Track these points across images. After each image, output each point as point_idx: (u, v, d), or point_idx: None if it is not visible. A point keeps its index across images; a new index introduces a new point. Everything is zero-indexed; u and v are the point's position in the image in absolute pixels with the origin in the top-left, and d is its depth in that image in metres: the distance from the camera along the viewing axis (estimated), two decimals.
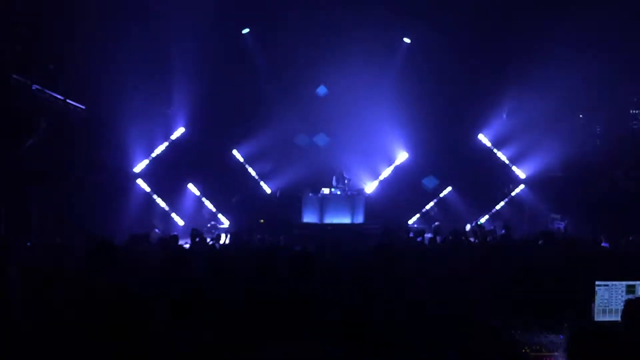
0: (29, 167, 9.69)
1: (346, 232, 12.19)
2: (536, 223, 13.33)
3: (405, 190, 14.73)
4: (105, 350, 2.21)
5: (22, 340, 2.68)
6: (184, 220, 13.97)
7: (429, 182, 14.66)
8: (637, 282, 3.94)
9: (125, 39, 11.03)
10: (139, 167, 13.57)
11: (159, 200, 13.93)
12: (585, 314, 3.85)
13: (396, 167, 15.44)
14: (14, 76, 9.50)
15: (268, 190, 15.12)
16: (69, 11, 10.12)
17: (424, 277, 4.76)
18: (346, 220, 13.41)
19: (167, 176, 13.71)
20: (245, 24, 14.08)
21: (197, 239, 7.85)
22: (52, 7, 10.08)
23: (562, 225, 12.79)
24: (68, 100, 11.04)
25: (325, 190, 13.57)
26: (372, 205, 14.05)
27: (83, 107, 11.45)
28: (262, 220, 13.25)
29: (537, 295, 4.25)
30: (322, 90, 14.35)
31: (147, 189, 13.74)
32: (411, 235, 9.53)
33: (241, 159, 14.99)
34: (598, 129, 13.84)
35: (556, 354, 3.42)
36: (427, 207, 15.42)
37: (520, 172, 15.04)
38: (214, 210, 14.72)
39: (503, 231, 9.50)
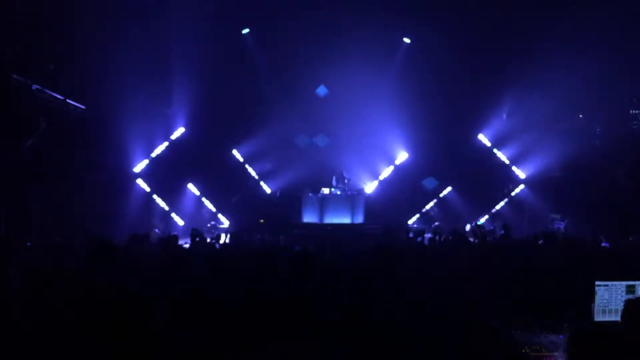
0: (29, 167, 9.69)
1: (346, 232, 12.20)
2: (536, 223, 13.32)
3: (405, 190, 14.74)
4: (105, 351, 2.21)
5: (22, 340, 2.68)
6: (184, 220, 13.97)
7: (429, 183, 14.69)
8: (637, 282, 3.94)
9: (125, 39, 11.03)
10: (139, 167, 13.57)
11: (159, 200, 13.94)
12: (585, 314, 3.85)
13: (396, 167, 15.44)
14: (14, 76, 9.50)
15: (268, 190, 15.12)
16: (69, 11, 10.11)
17: (424, 277, 4.76)
18: (346, 220, 13.42)
19: (167, 176, 13.71)
20: (245, 24, 14.08)
21: (197, 239, 7.86)
22: (52, 7, 10.08)
23: (562, 225, 12.79)
24: (68, 100, 11.05)
25: (325, 190, 13.57)
26: (372, 205, 14.06)
27: (83, 107, 11.45)
28: (262, 220, 13.25)
29: (537, 295, 4.25)
30: (322, 90, 14.37)
31: (147, 189, 13.75)
32: (411, 235, 9.53)
33: (241, 159, 14.99)
34: (598, 129, 13.83)
35: (556, 354, 3.42)
36: (427, 207, 15.42)
37: (520, 172, 15.04)
38: (214, 210, 14.72)
39: (502, 232, 9.49)
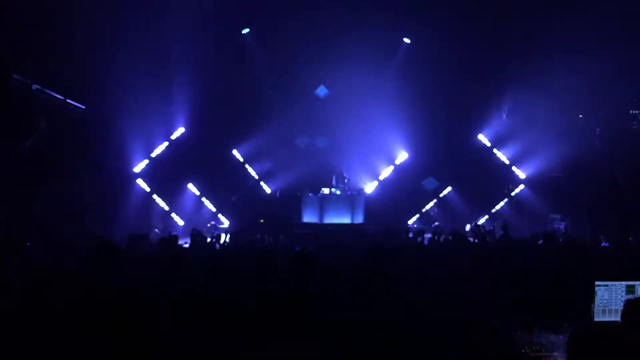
0: (29, 167, 9.69)
1: (346, 232, 12.19)
2: (536, 223, 13.32)
3: (405, 190, 14.74)
4: (105, 351, 2.21)
5: (22, 340, 2.68)
6: (184, 220, 13.97)
7: (429, 183, 14.70)
8: (637, 282, 3.94)
9: (125, 39, 11.03)
10: (139, 167, 13.57)
11: (159, 200, 13.94)
12: (585, 314, 3.85)
13: (396, 167, 15.43)
14: (14, 76, 9.50)
15: (268, 190, 15.12)
16: (69, 11, 10.11)
17: (424, 277, 4.76)
18: (346, 220, 13.41)
19: (167, 176, 13.71)
20: (245, 24, 14.08)
21: (197, 239, 7.86)
22: (52, 7, 10.07)
23: (562, 225, 12.79)
24: (68, 100, 11.05)
25: (325, 190, 13.57)
26: (372, 205, 14.05)
27: (83, 106, 11.45)
28: (262, 220, 13.24)
29: (537, 295, 4.25)
30: (322, 90, 14.37)
31: (147, 189, 13.75)
32: (411, 235, 9.54)
33: (241, 159, 14.99)
34: (598, 129, 13.83)
35: (556, 354, 3.42)
36: (427, 207, 15.42)
37: (520, 172, 15.04)
38: (214, 210, 14.72)
39: (502, 232, 9.49)
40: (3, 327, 2.81)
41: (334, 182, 13.71)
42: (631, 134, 13.37)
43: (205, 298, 3.64)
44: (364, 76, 13.36)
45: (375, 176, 15.36)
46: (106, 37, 10.70)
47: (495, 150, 15.18)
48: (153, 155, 13.79)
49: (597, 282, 3.91)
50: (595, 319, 3.88)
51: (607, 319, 3.88)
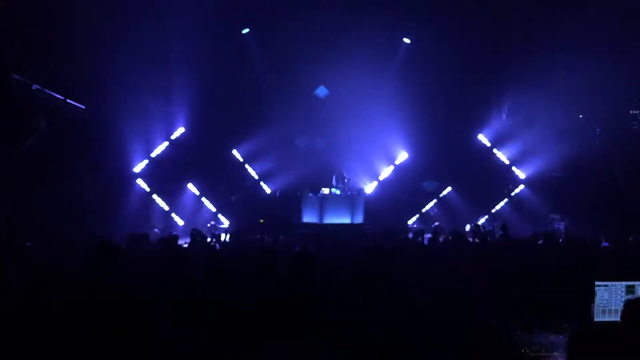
0: (29, 167, 9.69)
1: (346, 232, 12.19)
2: (536, 223, 13.32)
3: (405, 190, 14.74)
4: (105, 351, 2.21)
5: (22, 340, 2.68)
6: (184, 220, 13.97)
7: (429, 184, 14.70)
8: (637, 282, 3.94)
9: (125, 39, 11.03)
10: (139, 167, 13.57)
11: (159, 200, 13.94)
12: (585, 314, 3.85)
13: (396, 167, 15.43)
14: (14, 76, 9.50)
15: (268, 190, 15.12)
16: (69, 11, 10.11)
17: (424, 277, 4.76)
18: (346, 220, 13.41)
19: (167, 176, 13.71)
20: (245, 24, 14.07)
21: (197, 239, 7.86)
22: (52, 7, 10.08)
23: (562, 225, 12.79)
24: (68, 100, 11.05)
25: (325, 190, 13.56)
26: (372, 205, 14.05)
27: (83, 106, 11.45)
28: (262, 220, 13.24)
29: (537, 295, 4.25)
30: (322, 91, 14.36)
31: (147, 189, 13.75)
32: (411, 235, 9.54)
33: (241, 159, 14.99)
34: (598, 129, 13.83)
35: (556, 354, 3.42)
36: (427, 207, 15.42)
37: (520, 172, 15.04)
38: (214, 210, 14.72)
39: (502, 232, 9.49)
40: (3, 327, 2.81)
41: (333, 182, 13.71)
42: (631, 134, 13.37)
43: (205, 298, 3.64)
44: (364, 76, 13.35)
45: (375, 176, 15.36)
46: (106, 37, 10.70)
47: (495, 150, 15.18)
48: (153, 155, 13.79)
49: (597, 282, 3.91)
50: (595, 319, 3.88)
51: (607, 319, 3.88)
